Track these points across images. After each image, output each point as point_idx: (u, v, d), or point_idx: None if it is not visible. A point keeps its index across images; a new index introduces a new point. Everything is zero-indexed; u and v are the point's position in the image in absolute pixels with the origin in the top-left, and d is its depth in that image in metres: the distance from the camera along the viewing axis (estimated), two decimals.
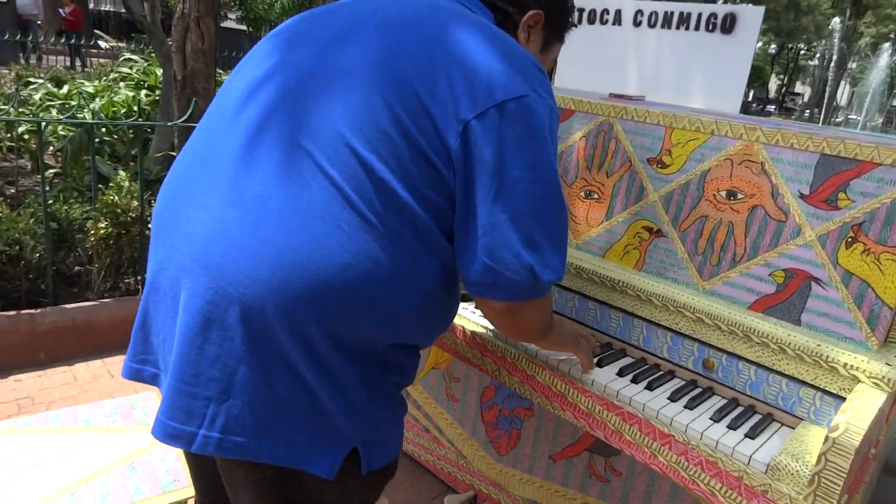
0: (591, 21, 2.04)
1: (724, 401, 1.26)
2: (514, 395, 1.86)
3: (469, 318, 1.50)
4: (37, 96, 4.79)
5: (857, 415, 1.01)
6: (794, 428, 1.18)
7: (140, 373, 1.00)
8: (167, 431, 0.89)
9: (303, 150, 0.86)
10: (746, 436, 1.13)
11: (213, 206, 0.88)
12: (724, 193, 1.35)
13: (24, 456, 1.32)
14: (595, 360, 1.34)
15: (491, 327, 1.46)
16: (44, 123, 3.02)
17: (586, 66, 2.06)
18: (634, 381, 1.28)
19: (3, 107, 4.18)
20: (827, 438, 0.98)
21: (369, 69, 0.89)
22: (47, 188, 2.68)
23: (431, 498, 2.10)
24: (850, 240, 1.20)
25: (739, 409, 1.22)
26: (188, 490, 1.31)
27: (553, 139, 0.97)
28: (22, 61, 8.85)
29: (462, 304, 1.57)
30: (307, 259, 0.84)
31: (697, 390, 1.28)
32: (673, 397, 1.23)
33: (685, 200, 1.40)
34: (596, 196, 1.54)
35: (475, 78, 0.89)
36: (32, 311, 2.59)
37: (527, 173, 0.91)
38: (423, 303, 0.94)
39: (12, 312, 2.55)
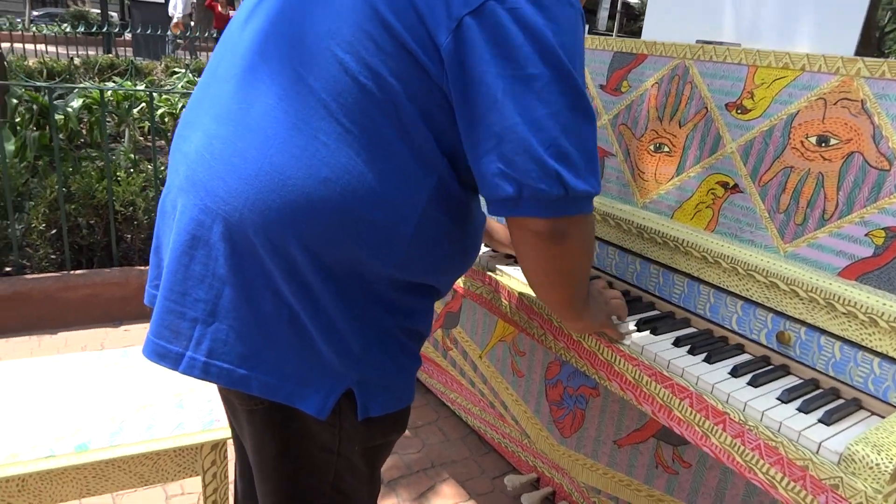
0: None
1: (800, 381, 1.07)
2: (580, 373, 1.72)
3: (518, 277, 1.40)
4: (179, 84, 5.21)
5: None
6: (885, 417, 0.98)
7: (155, 297, 1.00)
8: (155, 350, 0.90)
9: (285, 60, 0.82)
10: (821, 421, 0.95)
11: (206, 123, 0.87)
12: (813, 140, 1.15)
13: (88, 383, 1.39)
14: (648, 326, 1.19)
15: None
16: (155, 94, 3.24)
17: (676, 14, 1.86)
18: (692, 352, 1.12)
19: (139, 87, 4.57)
20: None
21: None
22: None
23: (494, 477, 2.02)
24: None
25: (817, 392, 1.03)
26: (226, 430, 1.33)
27: (573, 38, 0.83)
28: (171, 54, 9.72)
29: (511, 266, 1.46)
30: (283, 172, 0.79)
31: (768, 367, 1.09)
32: (735, 372, 1.06)
33: (767, 150, 1.21)
34: (667, 149, 1.38)
35: None
36: (141, 267, 2.80)
37: (541, 73, 0.78)
38: (421, 227, 0.85)
39: (125, 268, 2.77)
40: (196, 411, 1.37)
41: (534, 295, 1.31)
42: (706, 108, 1.31)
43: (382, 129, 0.80)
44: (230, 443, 1.32)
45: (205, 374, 0.88)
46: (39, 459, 1.20)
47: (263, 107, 0.82)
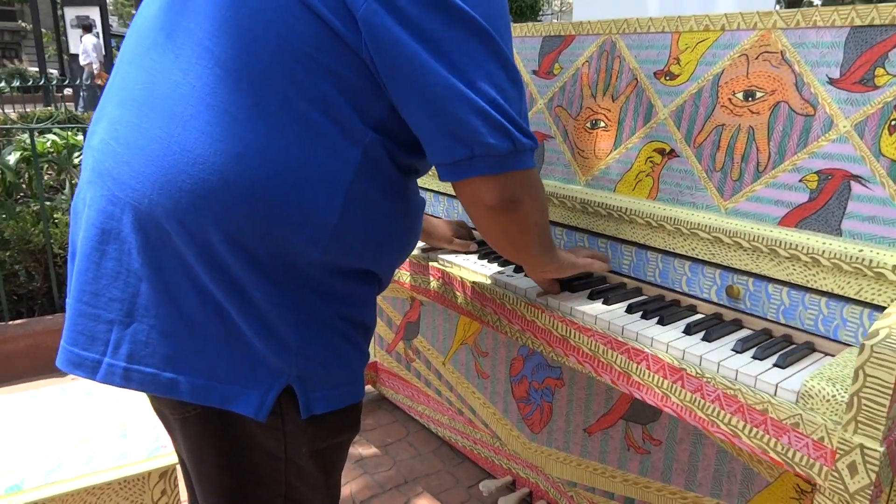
0: None
1: (753, 332, 1.06)
2: (543, 365, 1.69)
3: (468, 267, 1.37)
4: None
5: None
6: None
7: (68, 307, 0.94)
8: (69, 359, 0.82)
9: (189, 33, 0.78)
10: (776, 365, 0.94)
11: (110, 111, 0.82)
12: (740, 95, 1.16)
13: (22, 422, 1.30)
14: (600, 297, 1.17)
15: (491, 272, 1.32)
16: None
17: (604, 2, 1.89)
18: (644, 316, 1.10)
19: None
20: (863, 347, 0.77)
21: None
22: None
23: (469, 486, 1.96)
24: (893, 123, 0.98)
25: (771, 340, 1.02)
26: (174, 455, 1.25)
27: (497, 4, 0.83)
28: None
29: (461, 257, 1.44)
30: (193, 150, 0.75)
31: (720, 323, 1.08)
32: (688, 331, 1.05)
33: (698, 112, 1.22)
34: (603, 124, 1.38)
35: None
36: None
37: (466, 36, 0.78)
38: (349, 205, 0.81)
39: None
40: (141, 439, 1.29)
41: (486, 282, 1.28)
42: (636, 79, 1.32)
43: (297, 100, 0.77)
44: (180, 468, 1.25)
45: (126, 381, 0.81)
46: None
47: (168, 84, 0.78)
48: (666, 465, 1.45)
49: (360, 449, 2.13)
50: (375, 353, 2.41)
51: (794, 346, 1.00)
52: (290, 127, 0.77)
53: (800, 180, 1.08)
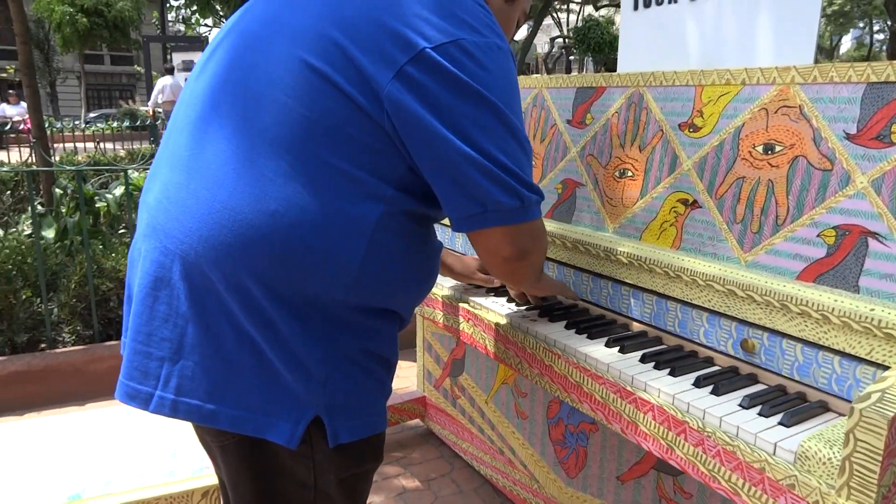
0: (647, 5, 1.91)
1: (765, 388, 1.04)
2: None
3: (494, 310, 1.42)
4: None
5: None
6: None
7: (125, 346, 1.06)
8: (126, 392, 0.93)
9: (231, 106, 0.89)
10: (781, 423, 0.93)
11: (164, 173, 0.94)
12: (760, 148, 1.16)
13: (88, 439, 1.45)
14: (616, 344, 1.19)
15: (508, 313, 1.36)
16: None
17: (647, 51, 1.92)
18: (657, 367, 1.11)
19: None
20: (853, 411, 0.76)
21: (294, 24, 0.91)
22: None
23: None
24: None
25: (782, 397, 1.01)
26: (215, 477, 1.35)
27: (505, 78, 0.93)
28: None
29: (489, 299, 1.49)
30: (233, 208, 0.85)
31: (733, 377, 1.08)
32: (698, 383, 1.05)
33: (720, 163, 1.23)
34: (630, 173, 1.41)
35: (407, 23, 0.87)
36: None
37: (479, 108, 0.89)
38: (371, 254, 0.89)
39: None
40: (188, 460, 1.41)
41: (506, 323, 1.33)
42: (661, 130, 1.34)
43: (325, 165, 0.87)
44: None
45: (174, 411, 0.91)
46: None
47: (214, 150, 0.89)
48: None
49: (404, 481, 2.18)
50: (424, 388, 2.47)
51: (805, 404, 0.99)
52: (317, 187, 0.86)
53: (818, 235, 1.07)
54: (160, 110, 10.50)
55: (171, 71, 11.22)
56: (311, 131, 0.86)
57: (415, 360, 2.58)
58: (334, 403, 0.92)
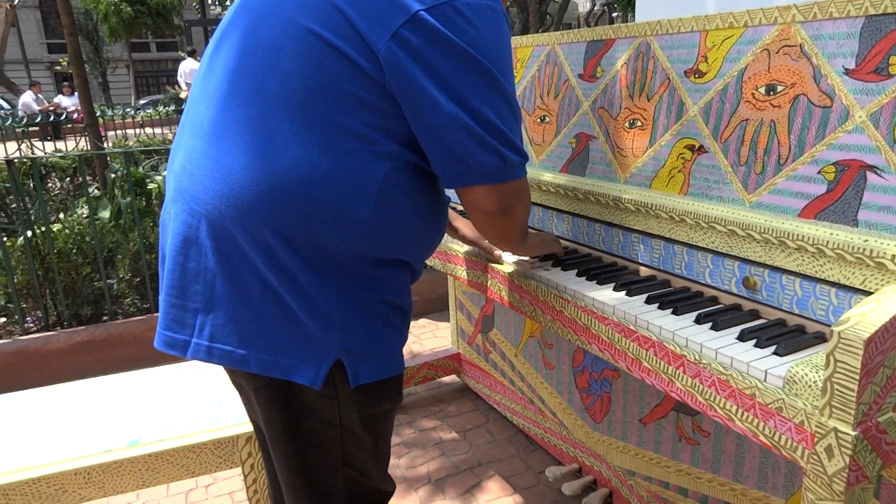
0: None
1: (765, 322, 1.08)
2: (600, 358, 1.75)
3: (508, 260, 1.48)
4: None
5: (883, 305, 0.81)
6: None
7: (162, 302, 1.17)
8: (165, 341, 1.04)
9: (244, 75, 0.96)
10: (775, 353, 0.96)
11: (186, 141, 1.03)
12: (763, 90, 1.17)
13: (144, 393, 1.59)
14: (624, 288, 1.24)
15: (523, 259, 1.42)
16: None
17: (663, 3, 1.90)
18: (661, 307, 1.16)
19: None
20: (832, 334, 0.80)
21: None
22: None
23: (539, 472, 2.05)
24: None
25: (781, 330, 1.04)
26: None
27: (497, 39, 0.96)
28: None
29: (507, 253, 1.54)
30: (251, 169, 0.93)
31: (734, 313, 1.11)
32: (698, 320, 1.09)
33: (724, 107, 1.24)
34: (639, 123, 1.43)
35: None
36: None
37: (469, 68, 0.93)
38: (379, 207, 0.96)
39: None
40: (232, 410, 1.53)
41: (521, 275, 1.39)
42: (668, 78, 1.36)
43: (332, 125, 0.93)
44: None
45: (209, 356, 1.01)
46: (99, 454, 1.39)
47: (230, 117, 0.97)
48: (715, 456, 1.46)
49: (441, 433, 2.29)
50: (458, 345, 2.56)
51: (803, 336, 1.02)
52: (326, 145, 0.93)
53: (818, 172, 1.08)
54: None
55: (192, 53, 11.56)
56: (317, 93, 0.93)
57: (448, 320, 2.66)
58: (353, 348, 1.00)
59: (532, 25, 13.13)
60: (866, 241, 0.95)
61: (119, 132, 9.52)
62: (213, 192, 0.96)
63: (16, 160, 2.91)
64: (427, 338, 3.14)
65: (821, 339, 1.01)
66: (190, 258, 1.00)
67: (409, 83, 0.92)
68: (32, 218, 3.19)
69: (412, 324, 3.32)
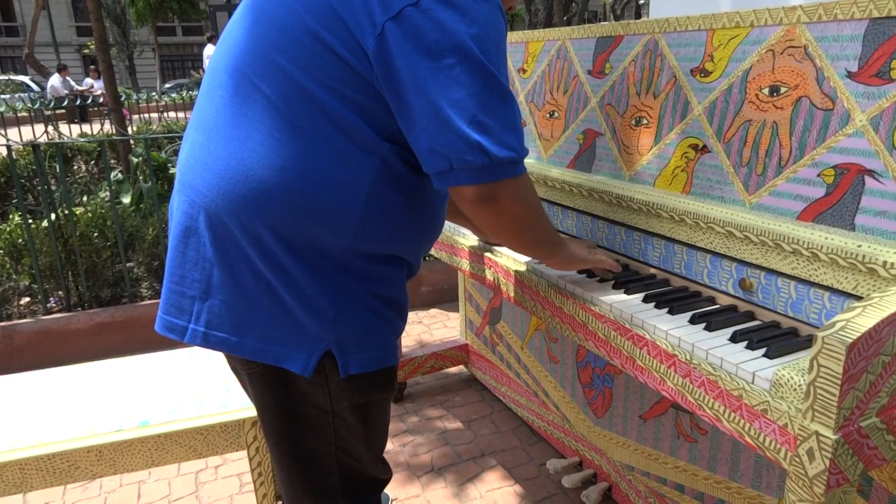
0: None
1: (759, 324, 1.08)
2: None
3: (509, 254, 1.49)
4: None
5: (868, 312, 0.81)
6: None
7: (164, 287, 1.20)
8: (164, 325, 1.08)
9: (243, 73, 0.99)
10: (765, 356, 0.97)
11: (192, 134, 1.06)
12: (766, 91, 1.17)
13: (155, 375, 1.64)
14: (622, 287, 1.25)
15: (526, 260, 1.43)
16: None
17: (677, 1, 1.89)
18: (658, 306, 1.17)
19: None
20: (816, 339, 0.81)
21: None
22: None
23: (540, 464, 2.08)
24: None
25: (774, 332, 1.04)
26: None
27: (486, 29, 0.94)
28: None
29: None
30: (246, 165, 0.96)
31: (729, 314, 1.12)
32: (693, 320, 1.10)
33: (728, 108, 1.24)
34: (645, 121, 1.43)
35: None
36: None
37: (456, 63, 0.91)
38: (371, 204, 0.98)
39: None
40: (239, 395, 1.57)
41: (523, 270, 1.41)
42: (675, 76, 1.36)
43: (324, 123, 0.95)
44: None
45: (205, 342, 1.05)
46: (111, 433, 1.44)
47: (228, 113, 1.00)
48: (711, 454, 1.47)
49: (446, 423, 2.32)
50: (466, 336, 2.58)
51: (795, 338, 1.02)
52: (319, 144, 0.96)
53: (818, 175, 1.08)
54: None
55: (211, 39, 11.64)
56: (309, 93, 0.94)
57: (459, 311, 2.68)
58: (344, 339, 1.03)
59: (556, 13, 13.00)
60: (860, 246, 0.95)
61: (144, 115, 9.66)
62: (211, 185, 0.99)
63: (42, 144, 2.98)
64: (437, 328, 3.17)
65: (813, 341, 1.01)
66: (190, 247, 1.04)
67: (395, 78, 0.92)
68: (57, 201, 3.28)
69: (424, 313, 3.35)
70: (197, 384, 1.62)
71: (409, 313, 3.34)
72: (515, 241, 1.14)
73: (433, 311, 3.40)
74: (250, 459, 1.56)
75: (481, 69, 0.93)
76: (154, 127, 7.71)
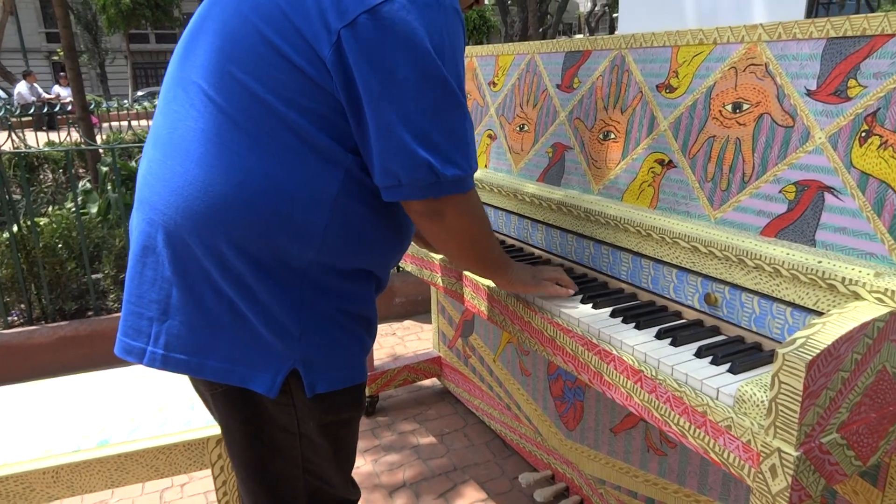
0: None
1: (724, 339, 1.09)
2: None
3: None
4: None
5: (826, 329, 0.82)
6: None
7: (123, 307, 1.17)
8: (122, 347, 1.04)
9: (196, 85, 0.97)
10: (729, 371, 0.97)
11: (148, 150, 1.03)
12: (729, 107, 1.18)
13: (115, 392, 1.60)
14: (590, 301, 1.25)
15: None
16: None
17: (647, 10, 1.91)
18: (625, 321, 1.17)
19: None
20: (777, 356, 0.81)
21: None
22: None
23: (513, 478, 2.06)
24: (863, 134, 0.98)
25: (738, 348, 1.05)
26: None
27: (443, 39, 0.93)
28: None
29: None
30: (204, 181, 0.94)
31: (694, 329, 1.12)
32: (659, 335, 1.10)
33: (693, 123, 1.25)
34: (613, 135, 1.44)
35: None
36: None
37: (411, 74, 0.90)
38: (335, 216, 0.96)
39: None
40: (204, 412, 1.54)
41: (493, 284, 1.40)
42: (641, 92, 1.37)
43: (284, 135, 0.93)
44: None
45: (165, 364, 1.01)
46: (68, 453, 1.40)
47: (184, 128, 0.97)
48: (681, 467, 1.47)
49: (419, 438, 2.30)
50: (439, 348, 2.57)
51: (759, 353, 1.03)
52: (279, 157, 0.93)
53: (780, 191, 1.09)
54: None
55: None
56: (269, 106, 0.92)
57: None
58: (311, 357, 1.00)
59: (532, 25, 13.13)
60: (820, 262, 0.96)
61: (115, 124, 9.50)
62: (169, 202, 0.96)
63: (4, 154, 2.91)
64: (411, 340, 3.15)
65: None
66: (147, 266, 1.01)
67: (350, 90, 0.91)
68: (21, 211, 3.19)
69: (397, 325, 3.33)
70: (160, 401, 1.58)
71: (383, 325, 3.32)
72: (460, 256, 1.14)
73: (407, 322, 3.38)
74: (215, 478, 1.52)
75: (435, 82, 0.92)
76: (125, 136, 7.58)
